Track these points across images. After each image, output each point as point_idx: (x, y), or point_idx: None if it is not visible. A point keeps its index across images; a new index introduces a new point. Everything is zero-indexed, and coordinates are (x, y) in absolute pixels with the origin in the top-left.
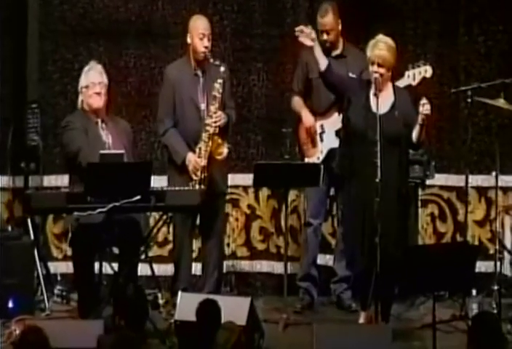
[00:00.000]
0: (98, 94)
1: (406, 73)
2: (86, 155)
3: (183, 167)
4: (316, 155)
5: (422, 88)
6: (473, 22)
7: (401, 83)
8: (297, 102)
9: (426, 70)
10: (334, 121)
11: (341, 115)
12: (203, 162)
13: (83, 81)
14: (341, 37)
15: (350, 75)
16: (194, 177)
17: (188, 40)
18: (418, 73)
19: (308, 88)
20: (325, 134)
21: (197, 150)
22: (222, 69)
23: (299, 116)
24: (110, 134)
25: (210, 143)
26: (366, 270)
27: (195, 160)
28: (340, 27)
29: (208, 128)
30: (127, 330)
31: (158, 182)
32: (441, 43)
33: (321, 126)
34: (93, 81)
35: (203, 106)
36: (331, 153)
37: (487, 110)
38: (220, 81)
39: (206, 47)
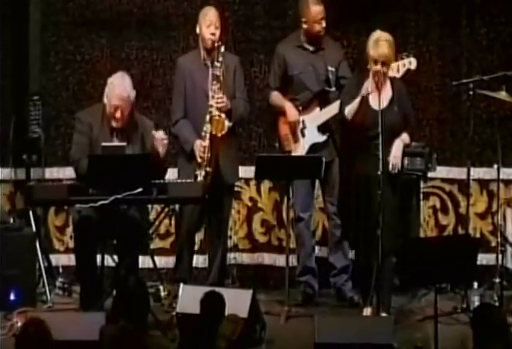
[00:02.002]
0: (117, 119)
1: (391, 66)
2: (82, 165)
3: (192, 155)
4: (298, 151)
5: (424, 80)
6: (475, 14)
7: None
8: (277, 96)
9: (410, 62)
10: (315, 116)
11: (322, 111)
12: (206, 142)
13: (108, 92)
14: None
15: (329, 68)
16: (199, 160)
17: (198, 30)
18: (402, 65)
19: (287, 84)
20: (306, 130)
21: (203, 133)
22: (222, 50)
23: (279, 110)
24: (122, 139)
25: (216, 124)
26: (366, 264)
27: (200, 143)
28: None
29: (210, 109)
30: (128, 322)
31: None
32: (442, 35)
33: (302, 121)
34: (115, 105)
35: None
36: (313, 147)
37: (489, 102)
38: (220, 59)
39: (212, 34)
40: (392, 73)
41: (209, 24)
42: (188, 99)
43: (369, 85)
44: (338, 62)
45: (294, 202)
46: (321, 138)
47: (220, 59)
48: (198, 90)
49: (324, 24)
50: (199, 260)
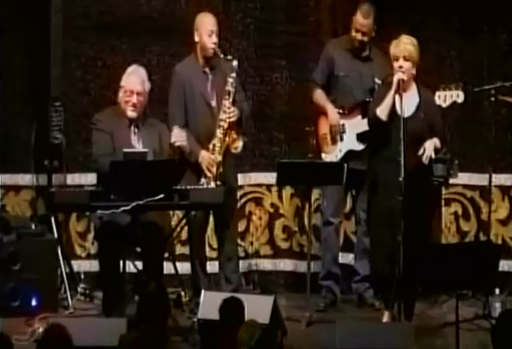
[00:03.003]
0: (133, 105)
1: (437, 93)
2: (103, 163)
3: (195, 165)
4: (333, 153)
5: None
6: (495, 19)
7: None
8: (320, 95)
9: (458, 96)
10: (356, 123)
11: (364, 120)
12: (218, 158)
13: (123, 80)
14: (371, 39)
15: (376, 80)
16: (209, 174)
17: (196, 38)
18: (450, 96)
19: (331, 84)
20: (345, 135)
21: (211, 146)
22: (234, 63)
23: (321, 110)
24: (141, 139)
25: (226, 138)
26: (389, 269)
27: (209, 157)
28: (374, 30)
29: (222, 123)
30: (150, 328)
31: None
32: (463, 41)
33: (343, 125)
34: (131, 89)
35: (214, 103)
36: (349, 153)
37: (510, 108)
38: (233, 75)
39: (215, 43)
40: (438, 101)
41: (210, 33)
42: (189, 107)
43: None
44: (386, 76)
45: (325, 206)
46: (359, 147)
47: (233, 75)
48: (198, 98)
49: (359, 36)
50: (215, 266)
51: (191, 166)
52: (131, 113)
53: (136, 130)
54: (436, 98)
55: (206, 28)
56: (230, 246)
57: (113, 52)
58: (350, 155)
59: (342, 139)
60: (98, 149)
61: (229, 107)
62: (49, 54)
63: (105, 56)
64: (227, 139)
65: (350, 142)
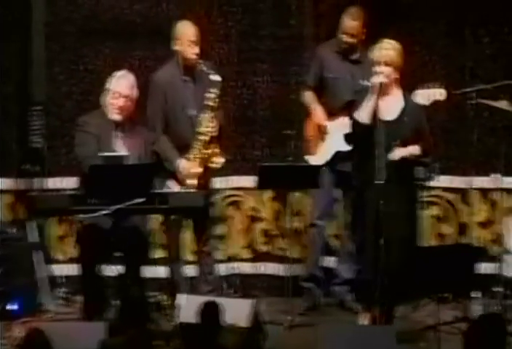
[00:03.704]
0: (119, 108)
1: (420, 92)
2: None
3: (173, 174)
4: (319, 154)
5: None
6: (479, 23)
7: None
8: (310, 96)
9: (440, 94)
10: (341, 124)
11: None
12: (198, 169)
13: (110, 83)
14: (360, 42)
15: (364, 82)
16: (187, 183)
17: (176, 47)
18: (432, 95)
19: (322, 86)
20: (333, 136)
21: (191, 157)
22: (218, 78)
23: (310, 111)
24: (125, 144)
25: (207, 151)
26: (370, 271)
27: (188, 167)
28: (363, 33)
29: (202, 137)
30: (131, 332)
31: None
32: (447, 43)
33: (327, 126)
34: (119, 91)
35: (193, 112)
36: (337, 155)
37: (493, 112)
38: (214, 90)
39: (196, 54)
40: (421, 100)
41: (189, 43)
42: (168, 114)
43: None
44: None
45: (311, 208)
46: (346, 147)
47: (215, 90)
48: (178, 106)
49: (345, 38)
50: (192, 270)
51: (171, 175)
52: (116, 116)
53: (120, 134)
54: (418, 97)
55: (187, 39)
56: (207, 249)
57: (96, 57)
58: (338, 156)
59: (326, 139)
60: (84, 151)
61: (211, 121)
62: (31, 58)
63: (88, 60)
64: (208, 151)
65: (337, 144)
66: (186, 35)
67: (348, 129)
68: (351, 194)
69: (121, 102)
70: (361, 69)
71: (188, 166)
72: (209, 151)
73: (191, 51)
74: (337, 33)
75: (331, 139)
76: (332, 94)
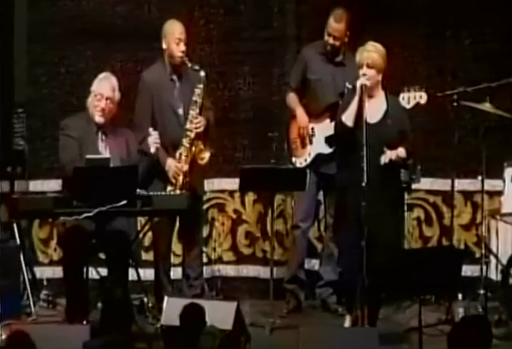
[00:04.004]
0: (102, 110)
1: (401, 95)
2: (71, 170)
3: (162, 173)
4: (303, 157)
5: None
6: (460, 25)
7: None
8: (293, 98)
9: (421, 97)
10: (324, 127)
11: (332, 123)
12: (184, 167)
13: (93, 85)
14: (344, 45)
15: (347, 85)
16: (173, 181)
17: (164, 45)
18: (413, 98)
19: (305, 87)
20: (314, 138)
21: (177, 155)
22: (202, 74)
23: (292, 113)
24: (108, 146)
25: (192, 148)
26: (353, 273)
27: (175, 165)
28: (347, 36)
29: (188, 133)
30: (114, 334)
31: None
32: (428, 45)
33: (312, 128)
34: (101, 93)
35: (181, 111)
36: (318, 157)
37: (474, 114)
38: (200, 86)
39: (182, 52)
40: (402, 103)
41: (177, 42)
42: (156, 114)
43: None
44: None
45: (295, 210)
46: (327, 150)
47: (201, 86)
48: (165, 106)
49: (331, 40)
50: (176, 273)
51: (158, 174)
52: (98, 118)
53: (103, 137)
54: (400, 100)
55: (173, 36)
56: (195, 253)
57: (78, 58)
58: (319, 158)
59: (311, 142)
60: (65, 155)
61: (196, 118)
62: (14, 60)
63: (70, 62)
64: (193, 149)
65: (318, 146)
66: (173, 33)
67: (329, 131)
68: (333, 196)
69: (103, 103)
70: (344, 71)
71: (175, 164)
72: (195, 148)
73: (177, 49)
74: (324, 34)
75: (314, 142)
76: (314, 95)
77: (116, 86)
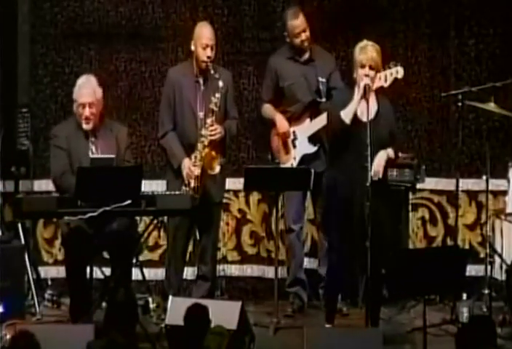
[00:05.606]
0: (86, 118)
1: (378, 75)
2: (62, 182)
3: (179, 171)
4: (289, 162)
5: (412, 91)
6: (463, 25)
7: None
8: (269, 108)
9: (397, 71)
10: (305, 127)
11: (312, 122)
12: (196, 171)
13: (74, 93)
14: (308, 40)
15: (320, 79)
16: (186, 182)
17: (192, 47)
18: (390, 74)
19: (279, 96)
20: (297, 141)
21: (193, 158)
22: (220, 84)
23: (271, 123)
24: (99, 148)
25: (204, 155)
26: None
27: (189, 167)
28: (309, 29)
29: (203, 139)
30: (117, 334)
31: (148, 186)
32: (431, 46)
33: (293, 132)
34: (82, 103)
35: (201, 114)
36: (304, 158)
37: (478, 114)
38: (217, 95)
39: (208, 57)
40: (379, 82)
41: (205, 46)
42: (177, 111)
43: (359, 90)
44: (329, 73)
45: (285, 213)
46: (312, 149)
47: (217, 95)
48: (186, 105)
49: (303, 37)
50: (188, 272)
51: (176, 173)
52: (86, 126)
53: (93, 139)
54: (377, 80)
55: (201, 41)
56: (210, 263)
57: (81, 59)
58: (305, 159)
59: (295, 146)
60: (56, 167)
61: (211, 125)
62: (16, 61)
63: (73, 63)
64: (204, 155)
65: (302, 147)
66: (201, 38)
67: (311, 131)
68: (321, 195)
69: (87, 112)
70: (315, 67)
71: (189, 166)
72: (207, 156)
73: (203, 54)
74: (286, 37)
75: (298, 144)
76: (291, 100)
77: (95, 85)
